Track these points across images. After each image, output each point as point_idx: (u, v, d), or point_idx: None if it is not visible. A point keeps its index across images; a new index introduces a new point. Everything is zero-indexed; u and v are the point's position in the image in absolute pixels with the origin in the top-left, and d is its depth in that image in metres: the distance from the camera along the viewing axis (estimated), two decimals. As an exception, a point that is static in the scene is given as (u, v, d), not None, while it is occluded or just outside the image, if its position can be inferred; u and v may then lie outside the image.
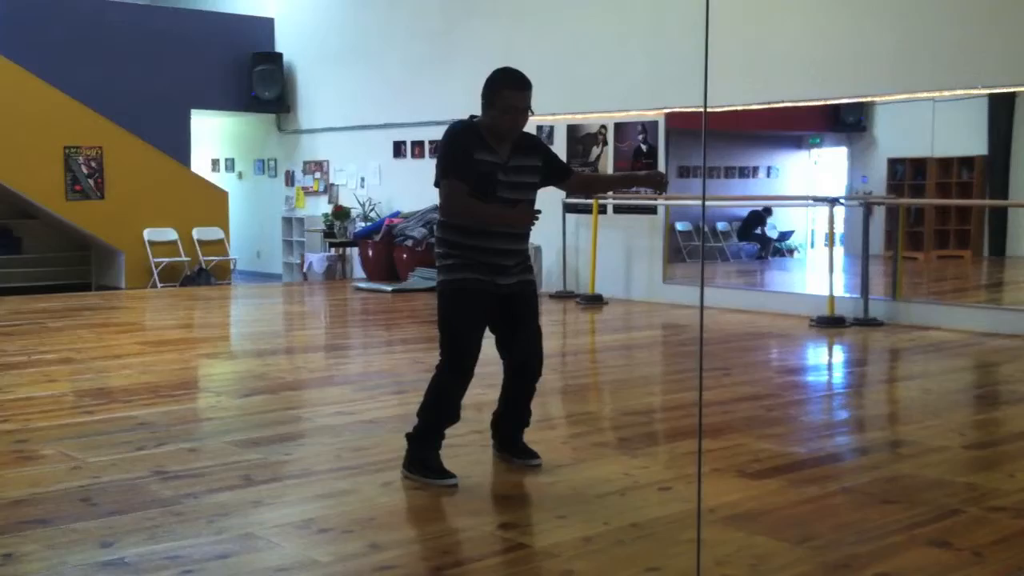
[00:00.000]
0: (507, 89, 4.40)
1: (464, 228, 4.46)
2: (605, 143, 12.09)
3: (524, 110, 4.42)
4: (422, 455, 4.52)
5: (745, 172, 14.92)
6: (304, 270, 15.36)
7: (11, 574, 3.45)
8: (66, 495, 4.32)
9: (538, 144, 4.69)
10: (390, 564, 3.52)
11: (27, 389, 6.64)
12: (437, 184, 4.49)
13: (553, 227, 11.80)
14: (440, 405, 4.52)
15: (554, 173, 4.71)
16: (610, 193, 11.91)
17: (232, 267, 15.60)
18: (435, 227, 4.71)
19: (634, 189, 11.77)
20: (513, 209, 4.47)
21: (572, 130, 12.38)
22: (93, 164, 14.26)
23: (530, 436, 4.90)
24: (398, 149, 14.70)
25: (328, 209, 15.55)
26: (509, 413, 4.74)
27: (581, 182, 5.12)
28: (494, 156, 4.42)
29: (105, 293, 13.87)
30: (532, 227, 4.57)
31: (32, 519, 3.99)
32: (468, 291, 4.43)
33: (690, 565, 3.37)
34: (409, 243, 13.26)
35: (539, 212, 4.51)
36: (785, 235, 15.56)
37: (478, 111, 4.50)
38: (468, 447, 4.96)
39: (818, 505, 4.24)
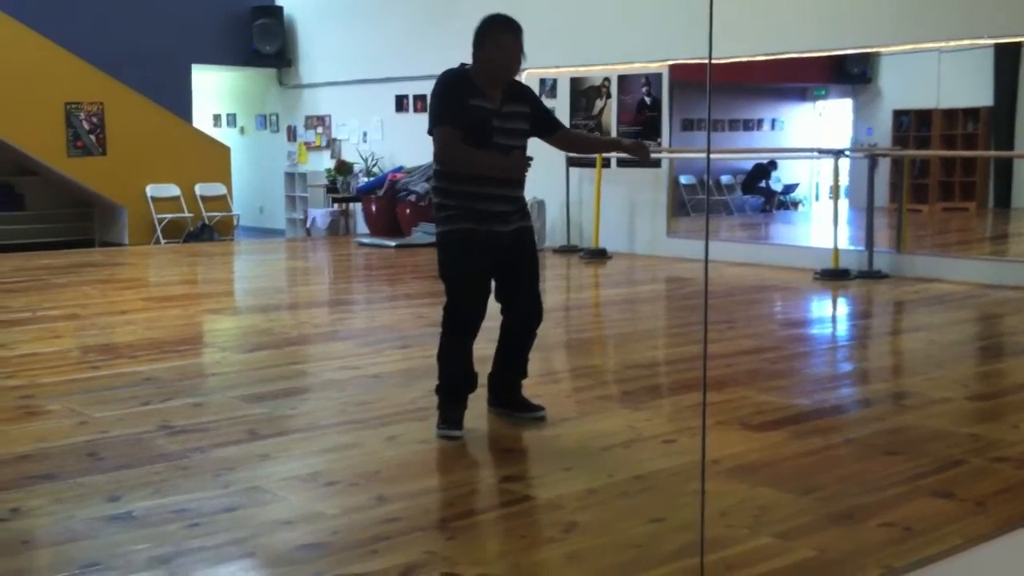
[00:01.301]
0: (499, 31, 4.42)
1: (460, 176, 4.45)
2: (608, 96, 12.02)
3: (517, 52, 4.43)
4: (441, 403, 4.57)
5: (750, 125, 14.85)
6: (307, 226, 15.34)
7: (19, 528, 3.48)
8: (73, 450, 4.34)
9: (528, 92, 4.67)
10: (396, 516, 3.54)
11: (32, 345, 6.66)
12: (430, 132, 4.47)
13: (556, 181, 11.76)
14: (447, 357, 4.54)
15: (542, 123, 4.68)
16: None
17: (235, 223, 15.58)
18: (431, 177, 4.70)
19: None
20: (508, 156, 4.46)
21: (575, 83, 12.30)
22: (94, 120, 14.20)
23: (534, 390, 4.91)
24: (400, 103, 14.62)
25: (331, 164, 15.50)
26: (510, 364, 4.73)
27: (566, 139, 5.01)
28: (487, 102, 4.41)
29: (108, 249, 13.88)
30: (526, 173, 4.56)
31: (39, 474, 4.01)
32: (469, 239, 4.43)
33: (693, 516, 3.38)
34: (412, 198, 13.22)
35: (531, 159, 4.51)
36: (789, 188, 15.52)
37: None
38: (472, 400, 4.97)
39: (821, 456, 4.25)
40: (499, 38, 4.41)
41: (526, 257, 4.62)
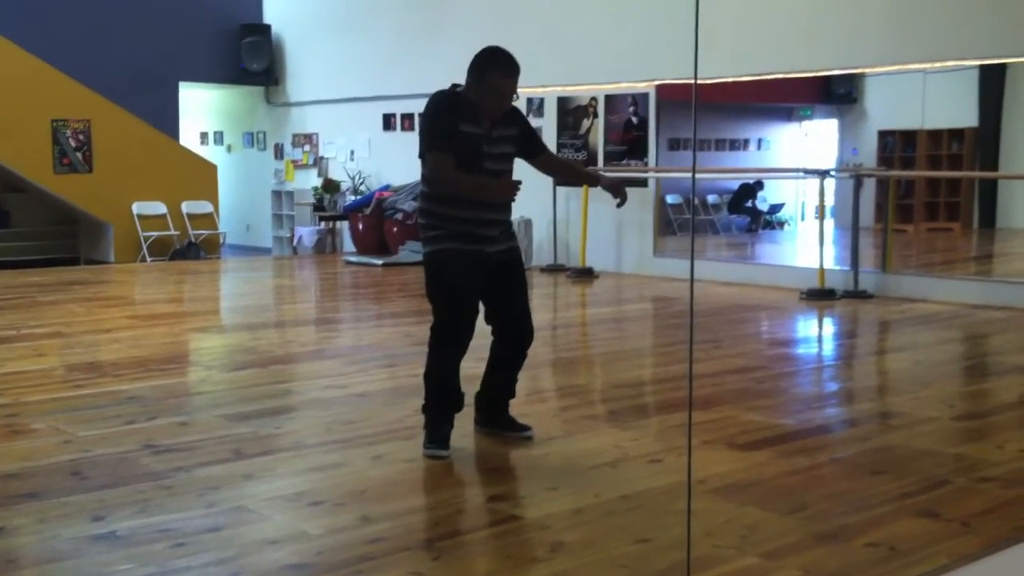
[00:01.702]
0: (495, 73, 4.39)
1: (448, 199, 4.46)
2: (595, 115, 12.06)
3: (510, 93, 4.42)
4: (427, 422, 4.56)
5: (736, 144, 14.90)
6: (294, 244, 15.32)
7: (3, 547, 3.45)
8: (57, 469, 4.32)
9: (517, 114, 4.65)
10: (381, 536, 3.53)
11: (17, 363, 6.63)
12: (422, 156, 4.47)
13: (543, 200, 11.78)
14: (434, 376, 4.54)
15: (527, 145, 4.66)
16: (600, 164, 11.91)
17: (221, 241, 15.54)
18: (418, 198, 4.71)
19: (625, 161, 11.76)
20: (498, 181, 4.47)
21: (562, 102, 12.34)
22: (81, 137, 14.17)
23: (520, 409, 4.91)
24: (388, 122, 14.64)
25: (318, 182, 15.49)
26: (500, 384, 4.73)
27: (549, 163, 4.93)
28: (478, 128, 4.42)
29: (94, 267, 13.84)
30: (515, 197, 4.57)
31: (23, 493, 3.99)
32: (457, 258, 4.44)
33: (680, 536, 3.38)
34: (399, 216, 13.22)
35: (519, 183, 4.50)
36: (776, 208, 15.57)
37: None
38: (458, 419, 4.95)
39: (808, 476, 4.26)
40: (493, 80, 4.38)
41: (515, 277, 4.62)
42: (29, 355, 6.94)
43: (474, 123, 4.41)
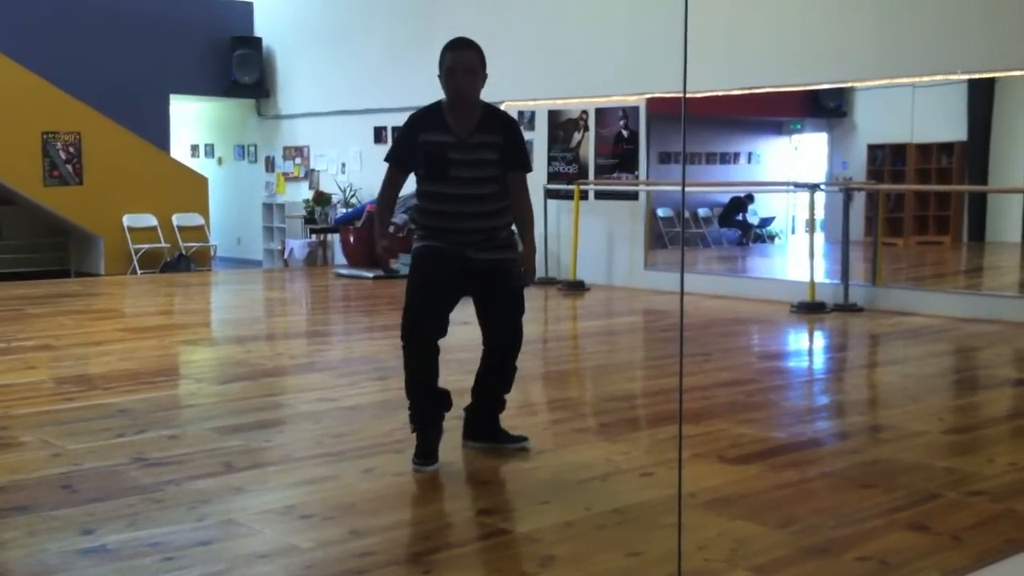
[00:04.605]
0: (446, 51, 4.47)
1: (433, 198, 4.53)
2: (586, 129, 12.08)
3: (466, 71, 4.43)
4: (414, 428, 4.56)
5: (726, 158, 14.93)
6: (285, 256, 15.30)
7: (-9, 562, 3.44)
8: (46, 482, 4.30)
9: (505, 122, 4.61)
10: (371, 550, 3.52)
11: (6, 376, 6.60)
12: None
13: (534, 213, 11.73)
14: (409, 378, 4.55)
15: (505, 158, 4.52)
16: (591, 178, 11.95)
17: (212, 253, 15.53)
18: (409, 208, 4.81)
19: (615, 175, 11.79)
20: (383, 244, 4.61)
21: (553, 115, 12.36)
22: (71, 150, 14.16)
23: (511, 422, 4.90)
24: (379, 135, 14.64)
25: (309, 195, 15.49)
26: (488, 393, 4.72)
27: (513, 191, 4.64)
28: (447, 135, 4.44)
29: (84, 279, 13.80)
30: (497, 203, 4.58)
31: (12, 506, 3.97)
32: (433, 255, 4.49)
33: (671, 549, 3.38)
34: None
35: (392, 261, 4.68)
36: (766, 221, 15.59)
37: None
38: (448, 432, 4.95)
39: (798, 489, 4.26)
40: (445, 58, 4.46)
41: (500, 286, 4.60)
42: (19, 368, 6.91)
43: (444, 131, 4.45)
